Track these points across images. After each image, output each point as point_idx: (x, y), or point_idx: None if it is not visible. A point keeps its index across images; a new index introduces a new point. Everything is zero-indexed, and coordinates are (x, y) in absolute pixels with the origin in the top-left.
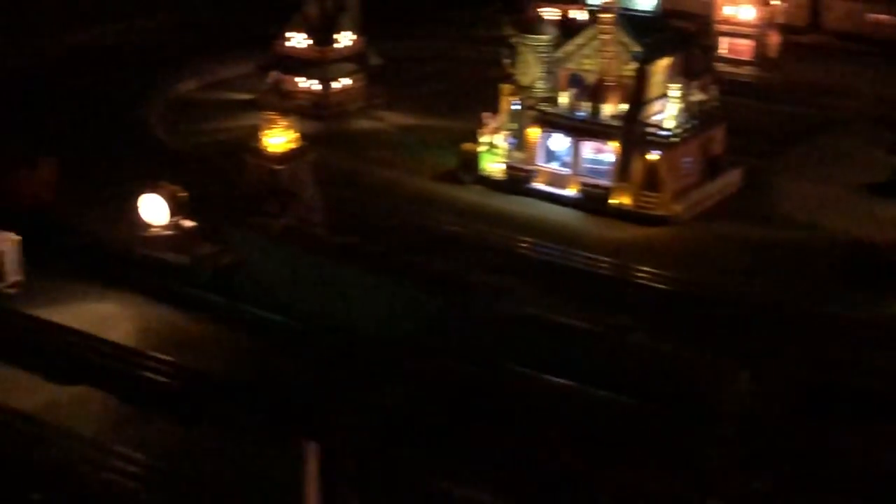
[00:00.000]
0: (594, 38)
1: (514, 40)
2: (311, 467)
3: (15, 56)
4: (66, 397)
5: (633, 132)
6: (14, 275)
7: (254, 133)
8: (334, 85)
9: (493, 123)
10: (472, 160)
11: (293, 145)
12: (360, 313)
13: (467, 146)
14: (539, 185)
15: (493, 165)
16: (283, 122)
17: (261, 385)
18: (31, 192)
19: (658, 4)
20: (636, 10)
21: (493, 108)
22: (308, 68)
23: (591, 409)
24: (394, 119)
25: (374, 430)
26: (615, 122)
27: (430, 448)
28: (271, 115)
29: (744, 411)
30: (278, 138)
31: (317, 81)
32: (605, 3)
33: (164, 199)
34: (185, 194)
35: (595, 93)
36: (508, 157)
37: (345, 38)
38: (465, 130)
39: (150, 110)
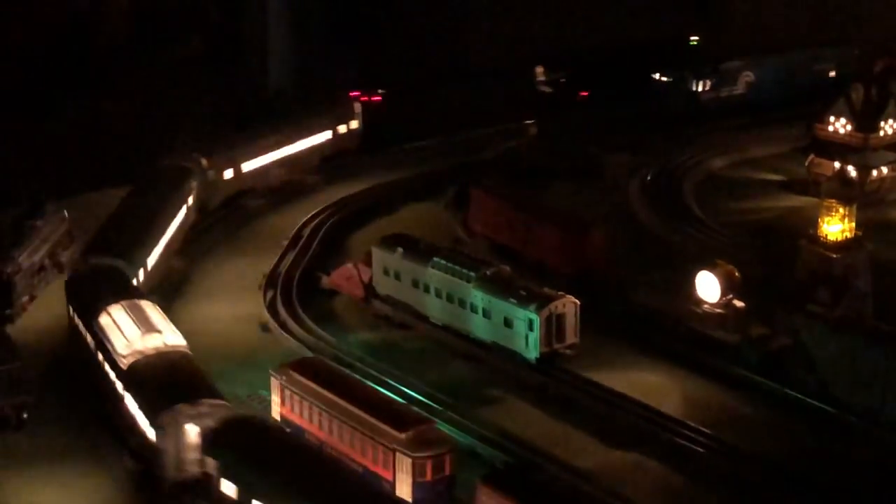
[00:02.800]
0: None
1: None
2: None
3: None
4: (618, 461)
5: None
6: (572, 337)
7: (787, 216)
8: (873, 173)
9: None
10: None
11: (850, 234)
12: None
13: None
14: None
15: None
16: (843, 211)
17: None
18: (583, 257)
19: None
20: None
21: None
22: (847, 154)
23: None
24: None
25: None
26: None
27: None
28: (831, 202)
29: None
30: (836, 226)
31: (854, 168)
32: None
33: (719, 277)
34: (738, 275)
35: None
36: None
37: (888, 126)
38: None
39: (684, 184)
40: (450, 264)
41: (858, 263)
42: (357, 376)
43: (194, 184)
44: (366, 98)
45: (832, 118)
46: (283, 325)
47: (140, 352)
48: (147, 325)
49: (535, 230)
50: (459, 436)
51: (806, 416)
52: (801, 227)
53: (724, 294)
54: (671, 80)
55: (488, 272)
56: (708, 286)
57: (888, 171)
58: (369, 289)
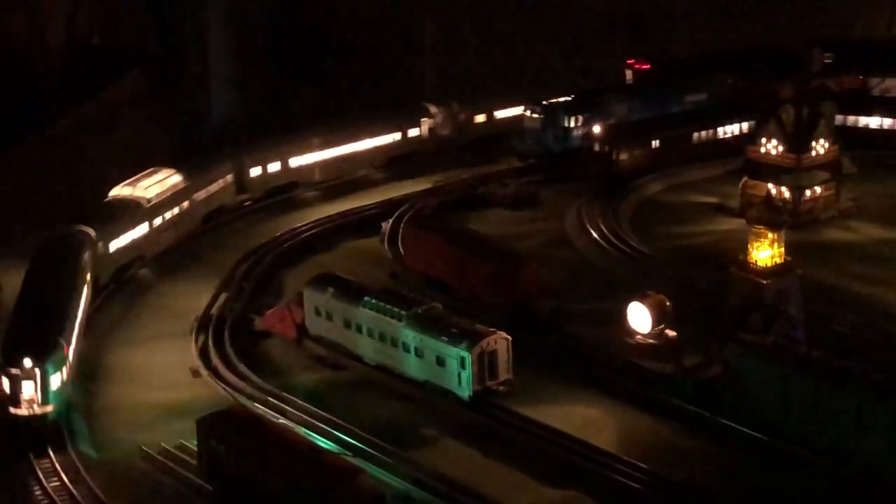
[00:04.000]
0: None
1: None
2: None
3: None
4: (554, 499)
5: None
6: (504, 373)
7: (723, 240)
8: (806, 193)
9: None
10: None
11: (780, 260)
12: (860, 441)
13: None
14: None
15: None
16: (771, 237)
17: None
18: (516, 290)
19: None
20: None
21: None
22: (780, 174)
23: None
24: (869, 231)
25: None
26: None
27: None
28: (759, 228)
29: None
30: (766, 252)
31: (787, 189)
32: None
33: (649, 308)
34: (669, 305)
35: None
36: None
37: (819, 146)
38: None
39: (619, 211)
40: (380, 303)
41: (789, 289)
42: (286, 422)
43: (423, 120)
44: (638, 66)
45: (764, 140)
46: None
47: (115, 196)
48: (136, 183)
49: (468, 264)
50: (392, 480)
51: (741, 445)
52: (735, 251)
53: (655, 325)
54: (541, 115)
55: (419, 310)
56: (639, 317)
57: (821, 190)
58: (302, 330)
